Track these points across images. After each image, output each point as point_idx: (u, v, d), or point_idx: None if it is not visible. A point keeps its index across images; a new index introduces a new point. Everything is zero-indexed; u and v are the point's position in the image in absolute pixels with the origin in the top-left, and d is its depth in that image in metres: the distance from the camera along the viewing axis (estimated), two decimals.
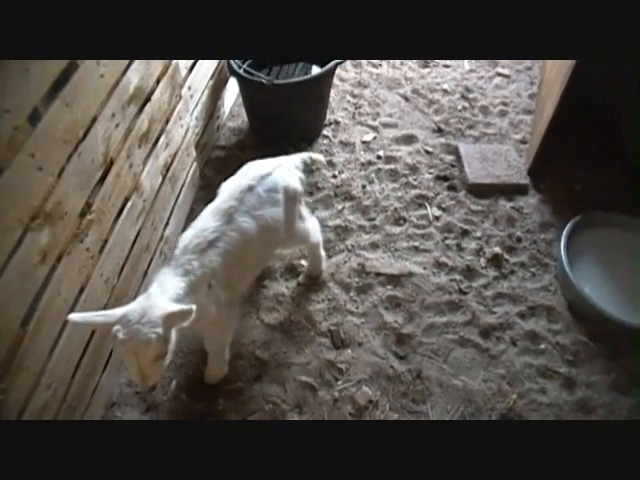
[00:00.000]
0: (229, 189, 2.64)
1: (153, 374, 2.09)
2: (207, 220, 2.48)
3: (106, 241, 2.55)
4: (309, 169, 3.12)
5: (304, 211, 3.08)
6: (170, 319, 2.04)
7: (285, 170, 2.82)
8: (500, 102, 4.85)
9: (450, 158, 4.27)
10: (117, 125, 2.52)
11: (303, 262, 3.48)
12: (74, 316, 1.99)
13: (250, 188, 2.60)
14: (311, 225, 3.13)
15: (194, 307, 2.05)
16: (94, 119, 2.30)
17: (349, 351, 3.06)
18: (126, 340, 1.97)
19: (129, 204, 2.73)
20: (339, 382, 2.93)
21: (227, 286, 2.51)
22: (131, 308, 2.05)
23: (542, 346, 3.10)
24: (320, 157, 3.27)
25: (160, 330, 2.01)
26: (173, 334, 2.11)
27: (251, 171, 2.73)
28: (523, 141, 4.42)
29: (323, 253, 3.39)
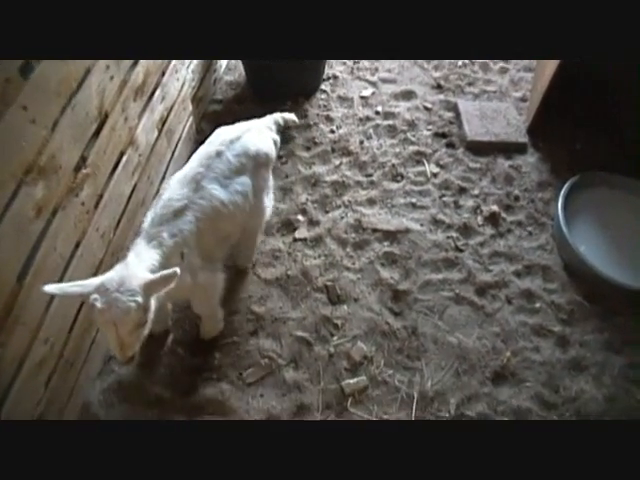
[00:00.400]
0: (197, 156, 2.60)
1: (132, 344, 2.06)
2: (174, 189, 2.44)
3: (101, 195, 2.52)
4: (282, 129, 3.07)
5: (271, 182, 3.05)
6: (150, 287, 2.02)
7: (256, 133, 2.77)
8: None
9: (449, 115, 4.24)
10: (112, 77, 2.47)
11: (300, 217, 3.47)
12: (50, 287, 1.93)
13: (218, 154, 2.56)
14: (269, 201, 3.08)
15: (178, 270, 2.04)
16: (88, 71, 2.24)
17: (345, 307, 3.07)
18: (105, 309, 1.94)
19: (124, 158, 2.70)
20: (335, 337, 2.95)
21: (202, 254, 2.49)
22: (108, 277, 2.03)
23: (537, 305, 3.12)
24: (292, 117, 3.18)
25: (140, 298, 1.99)
26: (152, 302, 2.09)
27: (220, 137, 2.68)
28: (523, 99, 4.39)
29: (259, 240, 3.27)
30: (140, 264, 2.14)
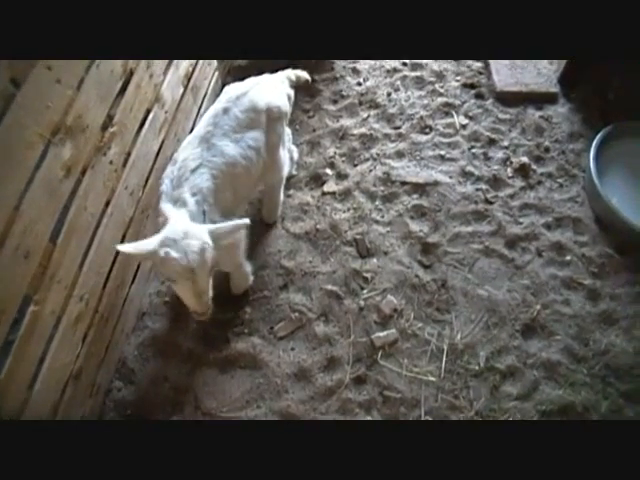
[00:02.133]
0: (206, 116, 2.60)
1: (207, 291, 2.15)
2: (187, 150, 2.45)
3: (129, 154, 2.53)
4: (295, 85, 3.04)
5: (287, 137, 3.04)
6: (218, 235, 2.12)
7: (266, 88, 2.74)
8: None
9: (478, 65, 4.15)
10: None
11: (328, 171, 3.46)
12: (124, 247, 2.03)
13: (225, 110, 2.55)
14: (287, 157, 3.08)
15: (247, 221, 2.15)
16: None
17: (374, 260, 3.08)
18: (181, 257, 2.00)
19: (151, 116, 2.70)
20: (364, 291, 2.97)
21: (221, 210, 2.51)
22: (170, 231, 2.08)
23: (567, 257, 3.10)
24: (305, 74, 3.15)
25: (210, 241, 2.07)
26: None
27: (227, 93, 2.67)
28: None
29: (282, 196, 3.27)
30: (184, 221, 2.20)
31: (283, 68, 2.99)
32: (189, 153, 2.41)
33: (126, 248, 2.04)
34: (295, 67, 3.08)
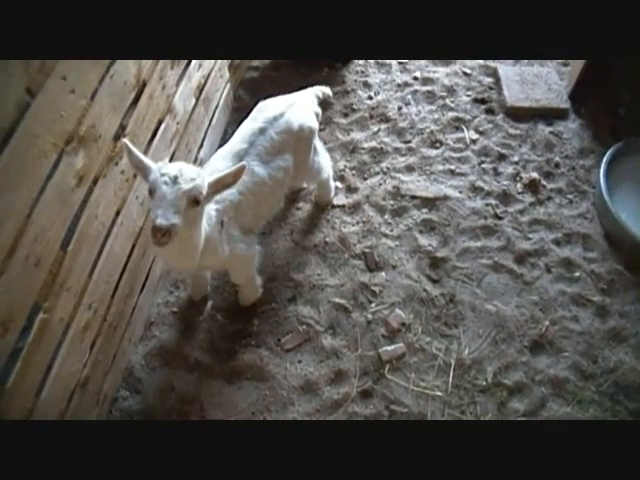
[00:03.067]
0: (241, 132, 2.62)
1: (179, 213, 1.90)
2: (218, 162, 2.46)
3: None
4: (321, 102, 3.06)
5: (318, 145, 3.05)
6: (215, 182, 2.05)
7: (300, 108, 2.76)
8: None
9: (489, 80, 4.16)
10: None
11: (338, 184, 3.47)
12: (131, 145, 2.00)
13: (262, 131, 2.56)
14: (323, 160, 3.11)
15: (246, 164, 2.11)
16: None
17: (383, 274, 3.07)
18: (172, 165, 1.96)
19: (162, 126, 2.71)
20: (372, 304, 2.96)
21: (240, 226, 2.52)
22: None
23: (577, 274, 3.09)
24: (328, 90, 3.19)
25: (204, 178, 2.01)
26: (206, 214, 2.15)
27: (264, 112, 2.67)
28: (565, 63, 4.28)
29: (332, 184, 3.38)
30: None
31: (297, 80, 2.99)
32: (221, 165, 2.42)
33: (131, 146, 2.00)
34: (313, 84, 3.10)
